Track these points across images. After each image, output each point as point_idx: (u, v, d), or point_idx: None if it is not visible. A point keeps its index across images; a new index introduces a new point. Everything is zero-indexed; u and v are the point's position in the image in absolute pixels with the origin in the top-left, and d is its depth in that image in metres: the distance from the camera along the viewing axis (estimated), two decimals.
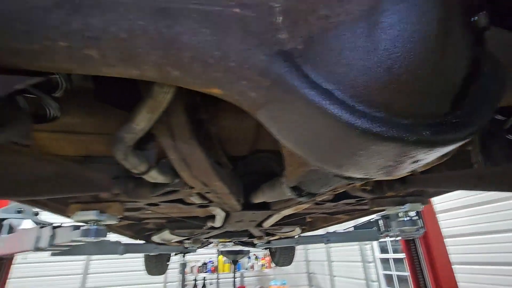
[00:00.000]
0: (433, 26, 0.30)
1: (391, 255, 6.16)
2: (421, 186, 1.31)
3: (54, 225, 1.94)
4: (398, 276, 6.05)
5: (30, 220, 2.55)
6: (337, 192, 1.34)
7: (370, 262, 6.89)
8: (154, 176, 0.92)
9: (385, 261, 6.49)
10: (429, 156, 0.39)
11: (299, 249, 9.90)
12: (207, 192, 1.19)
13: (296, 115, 0.38)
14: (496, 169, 0.96)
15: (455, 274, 3.00)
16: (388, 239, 4.99)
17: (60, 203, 1.28)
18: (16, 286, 7.00)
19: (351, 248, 7.43)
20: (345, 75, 0.33)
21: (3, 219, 2.35)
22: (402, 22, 0.30)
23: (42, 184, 0.72)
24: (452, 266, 3.03)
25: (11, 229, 2.31)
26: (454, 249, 2.96)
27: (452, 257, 3.07)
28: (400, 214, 1.90)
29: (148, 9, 0.34)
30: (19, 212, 2.47)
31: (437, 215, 3.18)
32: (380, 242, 6.43)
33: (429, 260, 2.98)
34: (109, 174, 1.02)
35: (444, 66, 0.33)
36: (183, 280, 4.92)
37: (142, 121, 0.66)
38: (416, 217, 2.12)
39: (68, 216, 1.28)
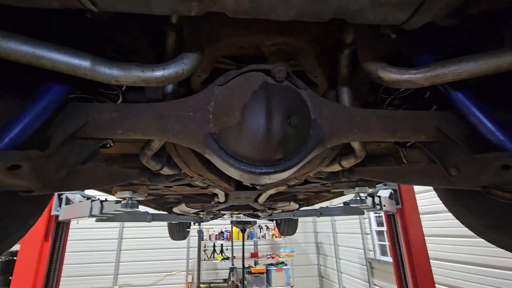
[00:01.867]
0: (264, 128, 0.77)
1: (385, 228, 6.65)
2: (362, 176, 1.61)
3: (101, 199, 2.65)
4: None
5: (79, 194, 3.32)
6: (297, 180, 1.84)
7: (367, 234, 7.48)
8: (166, 171, 1.33)
9: (380, 233, 7.04)
10: (274, 177, 0.88)
11: (309, 222, 10.62)
12: (203, 180, 1.72)
13: (215, 161, 0.90)
14: (416, 167, 1.23)
15: (426, 245, 3.47)
16: (382, 213, 5.44)
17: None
18: (70, 245, 8.37)
19: (353, 222, 8.02)
20: (233, 148, 0.84)
21: (61, 194, 3.12)
22: (252, 127, 0.80)
23: (104, 180, 1.29)
24: (425, 238, 3.49)
25: (68, 201, 3.09)
26: (429, 223, 3.39)
27: (425, 230, 3.52)
28: (361, 195, 2.38)
29: (153, 116, 0.84)
30: None
31: (416, 195, 3.58)
32: (377, 216, 6.92)
33: (404, 233, 3.45)
34: (138, 169, 1.58)
35: (273, 145, 0.81)
36: (199, 244, 5.78)
37: (156, 143, 1.18)
38: (365, 197, 2.58)
39: (113, 194, 1.90)
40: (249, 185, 1.85)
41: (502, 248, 1.10)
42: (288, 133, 0.81)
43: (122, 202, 1.81)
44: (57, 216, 3.05)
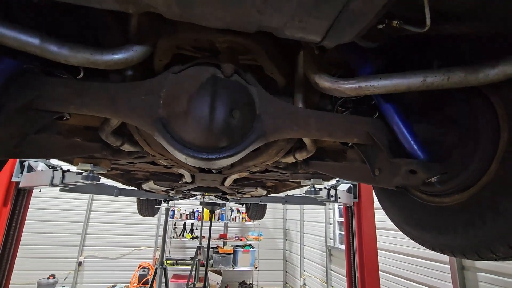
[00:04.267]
0: (206, 119, 0.86)
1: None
2: (315, 169, 1.83)
3: (63, 169, 2.63)
4: None
5: (42, 163, 3.25)
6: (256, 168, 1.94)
7: (330, 224, 7.96)
8: (127, 148, 1.37)
9: (341, 224, 7.46)
10: (217, 163, 0.98)
11: (280, 209, 11.01)
12: (166, 159, 1.78)
13: (163, 144, 0.97)
14: (352, 165, 1.39)
15: (377, 236, 3.80)
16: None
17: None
18: (33, 215, 8.15)
19: (319, 211, 8.46)
20: (180, 133, 0.91)
21: (24, 161, 3.04)
22: (196, 117, 0.88)
23: (64, 150, 1.32)
24: (376, 230, 3.82)
25: (30, 169, 3.02)
26: (381, 218, 3.69)
27: (378, 224, 3.84)
28: (316, 186, 2.56)
29: (105, 95, 0.90)
30: None
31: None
32: (340, 208, 7.36)
33: (358, 224, 3.74)
34: (100, 143, 1.61)
35: (215, 134, 0.90)
36: (166, 222, 5.89)
37: (115, 121, 1.20)
38: (319, 189, 2.78)
39: (74, 165, 1.91)
40: (205, 168, 1.93)
41: (413, 240, 1.29)
42: (231, 124, 0.90)
43: (83, 174, 1.84)
44: (17, 183, 3.00)
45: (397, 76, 0.81)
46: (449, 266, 3.92)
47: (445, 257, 4.01)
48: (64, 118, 1.20)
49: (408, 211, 1.29)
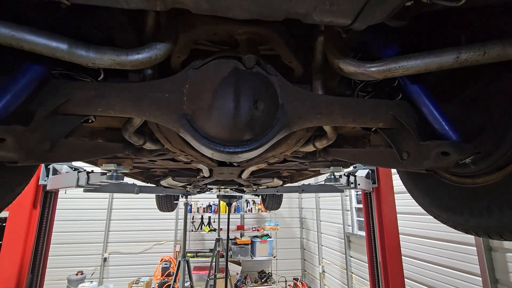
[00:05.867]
0: (231, 112, 0.85)
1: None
2: (335, 156, 1.75)
3: (87, 170, 2.72)
4: None
5: (66, 165, 3.37)
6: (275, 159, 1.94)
7: (348, 211, 7.91)
8: (149, 146, 1.38)
9: (359, 210, 7.46)
10: (242, 156, 0.98)
11: (295, 198, 11.04)
12: (186, 155, 1.80)
13: (189, 139, 0.98)
14: (376, 150, 1.35)
15: (398, 221, 3.75)
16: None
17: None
18: (59, 215, 8.53)
19: (335, 199, 8.42)
20: (205, 128, 0.91)
21: (49, 164, 3.16)
22: (221, 111, 0.87)
23: (90, 152, 1.35)
24: (397, 215, 3.76)
25: (55, 172, 3.14)
26: (402, 202, 3.65)
27: (398, 208, 3.79)
28: (335, 174, 2.54)
29: (130, 96, 0.91)
30: None
31: (393, 176, 3.80)
32: (358, 194, 7.29)
33: (378, 210, 3.70)
34: (122, 143, 1.64)
35: (240, 127, 0.90)
36: (185, 216, 6.02)
37: (137, 120, 1.22)
38: (339, 176, 2.75)
39: (98, 166, 1.97)
40: (226, 162, 1.94)
41: (443, 223, 1.26)
42: (255, 116, 0.89)
43: (108, 174, 1.89)
44: (44, 186, 3.12)
45: (428, 54, 0.77)
46: (475, 248, 3.84)
47: (471, 239, 3.93)
48: (90, 121, 1.22)
49: (437, 193, 1.26)
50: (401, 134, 1.08)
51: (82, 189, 3.16)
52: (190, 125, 0.89)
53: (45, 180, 3.09)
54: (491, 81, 0.96)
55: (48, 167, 3.15)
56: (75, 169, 3.03)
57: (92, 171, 2.63)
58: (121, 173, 1.94)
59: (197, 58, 0.91)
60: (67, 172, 3.02)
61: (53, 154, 1.02)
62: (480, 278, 3.76)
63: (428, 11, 0.83)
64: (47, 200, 3.24)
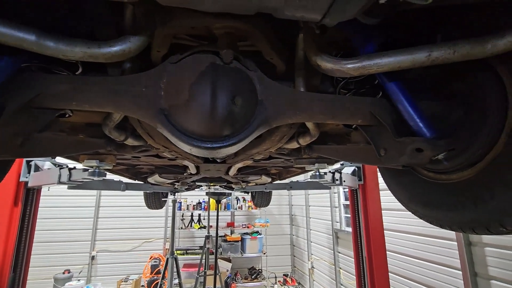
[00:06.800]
0: (208, 107, 0.85)
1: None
2: (319, 153, 1.73)
3: (69, 167, 2.65)
4: None
5: (49, 162, 3.28)
6: (260, 155, 1.94)
7: (336, 207, 8.03)
8: (131, 142, 1.35)
9: (347, 206, 7.55)
10: (221, 151, 0.97)
11: (285, 196, 11.12)
12: (170, 151, 1.78)
13: (167, 135, 0.97)
14: (357, 147, 1.39)
15: (383, 217, 3.83)
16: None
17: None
18: (46, 213, 8.36)
19: (324, 196, 8.52)
20: (183, 123, 0.91)
21: (30, 160, 3.07)
22: (198, 106, 0.87)
23: (69, 147, 1.32)
24: (382, 211, 3.85)
25: (37, 168, 3.06)
26: (386, 199, 3.73)
27: (383, 205, 3.87)
28: (320, 171, 2.56)
29: (106, 90, 0.89)
30: None
31: (378, 173, 3.87)
32: (346, 191, 7.41)
33: (363, 206, 3.77)
34: (104, 139, 1.61)
35: (218, 122, 0.90)
36: (174, 213, 5.98)
37: (117, 115, 1.19)
38: (324, 173, 2.79)
39: (80, 162, 1.93)
40: (209, 158, 1.93)
41: (421, 219, 1.30)
42: (233, 112, 0.89)
43: (90, 170, 1.86)
44: (26, 183, 3.04)
45: (401, 52, 0.79)
46: (456, 243, 3.97)
47: (452, 234, 4.05)
48: (67, 115, 1.19)
49: (414, 189, 1.29)
50: (379, 131, 1.10)
51: (67, 186, 3.09)
52: (167, 120, 0.88)
53: (27, 177, 3.00)
54: (466, 78, 0.99)
55: (30, 163, 3.07)
56: (58, 165, 2.96)
57: (75, 168, 2.57)
58: (104, 169, 1.90)
59: (177, 53, 0.90)
60: (49, 168, 2.95)
61: (27, 149, 0.99)
62: (461, 272, 3.89)
63: (409, 9, 0.85)
64: (29, 197, 3.15)
